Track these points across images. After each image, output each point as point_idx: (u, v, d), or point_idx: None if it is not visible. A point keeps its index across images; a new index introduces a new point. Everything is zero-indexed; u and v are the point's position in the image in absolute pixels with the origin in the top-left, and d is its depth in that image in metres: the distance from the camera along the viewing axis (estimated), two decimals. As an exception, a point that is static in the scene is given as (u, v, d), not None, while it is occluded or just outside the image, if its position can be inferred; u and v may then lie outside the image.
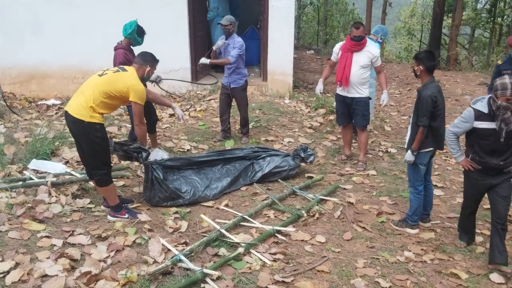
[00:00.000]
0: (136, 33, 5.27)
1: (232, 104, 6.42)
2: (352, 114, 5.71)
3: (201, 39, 9.15)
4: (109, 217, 4.13)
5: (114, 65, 5.11)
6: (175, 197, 4.50)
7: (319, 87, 5.81)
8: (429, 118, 3.94)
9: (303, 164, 5.47)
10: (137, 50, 5.43)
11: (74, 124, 3.86)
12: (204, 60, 6.02)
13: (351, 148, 6.09)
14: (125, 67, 4.18)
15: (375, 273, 3.56)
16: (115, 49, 5.34)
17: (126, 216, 4.12)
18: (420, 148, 4.06)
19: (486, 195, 3.89)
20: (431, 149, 4.09)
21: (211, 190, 4.75)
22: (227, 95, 6.26)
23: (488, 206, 4.79)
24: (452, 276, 3.61)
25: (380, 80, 5.64)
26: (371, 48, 5.52)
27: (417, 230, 4.29)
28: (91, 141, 3.85)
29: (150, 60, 4.25)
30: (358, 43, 5.40)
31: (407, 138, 4.20)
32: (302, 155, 5.34)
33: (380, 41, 6.71)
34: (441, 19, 15.62)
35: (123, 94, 3.95)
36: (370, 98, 5.75)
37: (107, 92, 3.88)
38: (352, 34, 5.40)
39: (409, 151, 4.09)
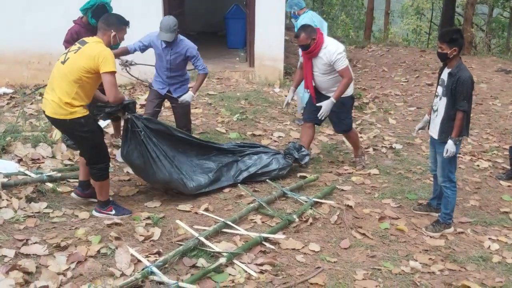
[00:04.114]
0: (91, 12, 5.14)
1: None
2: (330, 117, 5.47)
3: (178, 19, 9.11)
4: (94, 212, 4.34)
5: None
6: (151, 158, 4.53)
7: (288, 97, 5.60)
8: (469, 102, 4.17)
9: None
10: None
11: (57, 123, 4.08)
12: (188, 97, 5.43)
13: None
14: (85, 39, 4.09)
15: (376, 286, 3.60)
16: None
17: (113, 212, 4.32)
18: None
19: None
20: (464, 136, 4.33)
21: (190, 181, 4.75)
22: (159, 103, 5.63)
23: (507, 210, 4.90)
24: (463, 289, 3.67)
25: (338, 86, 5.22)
26: (328, 50, 5.14)
27: (452, 228, 4.48)
28: (79, 138, 4.08)
29: (114, 23, 4.07)
30: (305, 52, 5.25)
31: (432, 127, 4.42)
32: (296, 155, 5.36)
33: (295, 16, 6.76)
34: (454, -4, 15.75)
35: (93, 69, 3.87)
36: (353, 98, 5.62)
37: (78, 78, 3.87)
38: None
39: (450, 141, 4.19)
